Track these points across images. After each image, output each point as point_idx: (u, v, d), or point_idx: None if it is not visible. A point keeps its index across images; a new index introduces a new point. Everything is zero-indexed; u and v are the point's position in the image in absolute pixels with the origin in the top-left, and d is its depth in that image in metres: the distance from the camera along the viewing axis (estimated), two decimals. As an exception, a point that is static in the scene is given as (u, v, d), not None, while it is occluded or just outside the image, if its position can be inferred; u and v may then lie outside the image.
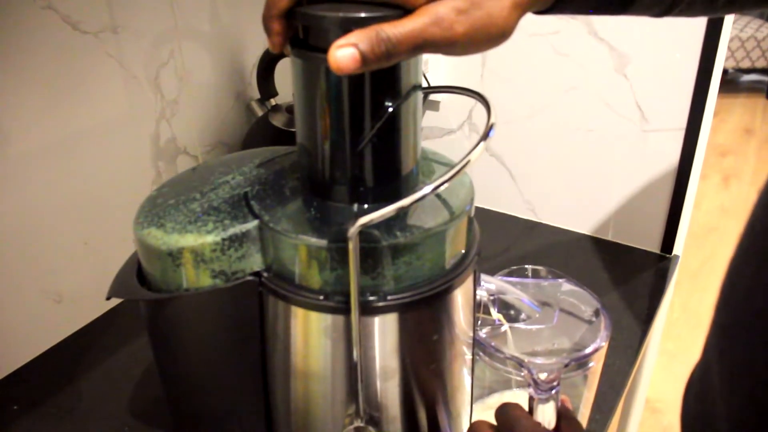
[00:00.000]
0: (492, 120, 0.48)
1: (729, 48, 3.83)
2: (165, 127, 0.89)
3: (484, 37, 0.40)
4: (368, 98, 0.46)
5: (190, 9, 0.88)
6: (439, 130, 1.08)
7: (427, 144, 1.09)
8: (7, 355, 0.77)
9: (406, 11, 0.40)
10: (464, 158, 0.45)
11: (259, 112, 0.99)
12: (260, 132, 0.96)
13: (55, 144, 0.75)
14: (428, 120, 1.08)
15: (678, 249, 0.96)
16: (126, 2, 0.79)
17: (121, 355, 0.80)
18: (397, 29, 0.38)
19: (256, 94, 1.00)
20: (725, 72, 3.98)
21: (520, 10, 0.41)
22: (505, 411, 0.51)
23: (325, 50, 0.41)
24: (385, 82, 0.46)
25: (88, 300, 0.83)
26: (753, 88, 4.08)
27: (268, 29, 0.44)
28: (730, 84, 4.07)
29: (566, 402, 0.56)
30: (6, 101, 0.69)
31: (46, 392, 0.74)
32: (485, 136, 0.46)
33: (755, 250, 0.39)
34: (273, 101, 0.99)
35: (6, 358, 0.77)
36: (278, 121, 0.95)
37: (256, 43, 1.00)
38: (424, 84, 0.98)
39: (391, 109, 0.46)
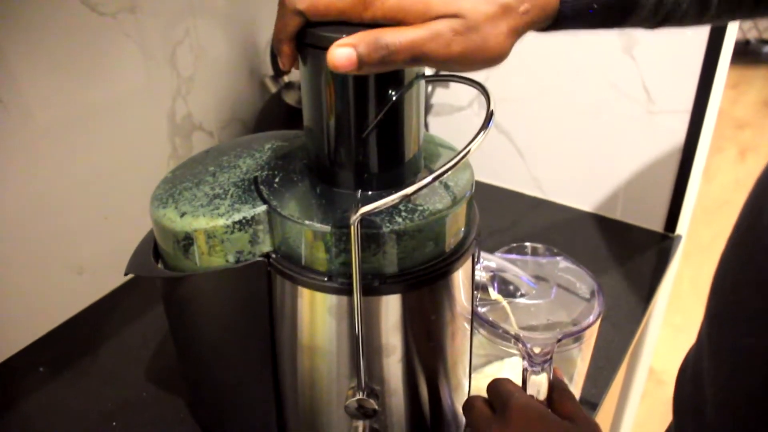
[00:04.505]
0: (491, 108, 0.49)
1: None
2: (181, 104, 0.91)
3: (480, 59, 0.42)
4: (372, 87, 0.48)
5: (205, -13, 0.90)
6: (449, 107, 1.09)
7: (437, 120, 1.11)
8: (33, 322, 0.81)
9: None
10: (465, 147, 0.47)
11: (273, 89, 1.01)
12: (273, 109, 0.98)
13: (75, 121, 0.78)
14: (438, 97, 1.10)
15: (682, 229, 0.98)
16: (142, -18, 0.81)
17: (138, 324, 0.83)
18: (397, 37, 0.39)
19: (270, 71, 1.02)
20: (747, 42, 3.90)
21: (516, 36, 0.43)
22: (497, 386, 0.54)
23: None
24: (388, 72, 0.48)
25: (107, 272, 0.87)
26: (775, 60, 4.01)
27: (279, 51, 0.46)
28: (752, 55, 3.99)
29: (558, 372, 0.59)
30: (28, 80, 0.72)
31: (69, 358, 0.78)
32: (485, 126, 0.48)
33: (742, 246, 0.41)
34: (286, 78, 1.01)
35: (31, 326, 0.81)
36: (291, 98, 0.97)
37: (270, 20, 1.01)
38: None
39: (394, 98, 0.48)
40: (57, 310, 0.83)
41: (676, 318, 1.98)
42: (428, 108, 1.10)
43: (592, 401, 0.72)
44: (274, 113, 0.98)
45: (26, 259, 0.77)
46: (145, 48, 0.84)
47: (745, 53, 3.92)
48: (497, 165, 1.09)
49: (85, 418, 0.70)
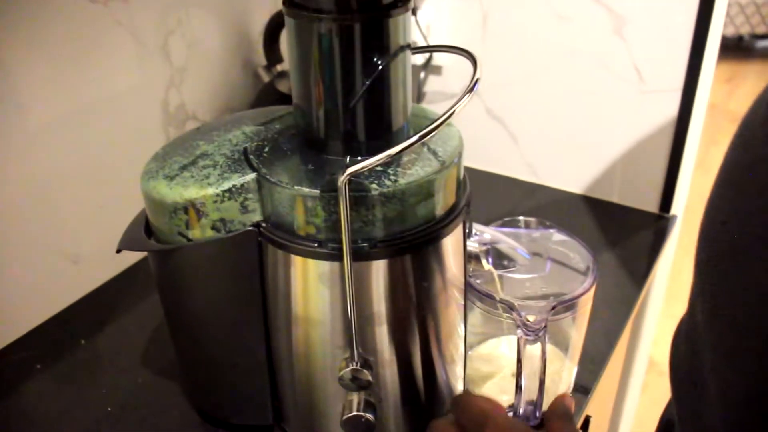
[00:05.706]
0: (477, 75, 0.50)
1: (744, 14, 3.77)
2: (174, 93, 0.91)
3: None
4: (359, 56, 0.48)
5: (196, -23, 0.90)
6: (442, 95, 1.10)
7: (430, 108, 1.11)
8: (29, 312, 0.80)
9: None
10: (450, 109, 0.47)
11: (266, 78, 1.01)
12: (267, 98, 0.99)
13: (69, 113, 0.78)
14: (431, 85, 1.10)
15: (677, 209, 0.98)
16: (133, -29, 0.81)
17: (135, 313, 0.83)
18: None
19: (263, 61, 1.02)
20: (740, 38, 3.92)
21: None
22: (470, 405, 0.49)
23: (317, 11, 0.43)
24: (374, 41, 0.48)
25: (103, 261, 0.87)
26: (768, 54, 4.02)
27: None
28: (746, 50, 4.01)
29: (568, 400, 0.57)
30: (22, 75, 0.72)
31: (65, 348, 0.78)
32: (471, 89, 0.48)
33: (731, 182, 0.41)
34: (279, 67, 1.01)
35: (27, 316, 0.80)
36: (284, 86, 0.97)
37: (263, 9, 1.02)
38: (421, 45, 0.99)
39: (380, 67, 0.49)
40: (52, 300, 0.83)
41: (675, 308, 1.97)
42: (421, 96, 1.10)
43: (587, 384, 0.72)
44: (267, 102, 0.98)
45: (21, 249, 0.77)
46: (137, 37, 0.84)
47: (738, 48, 3.94)
48: (491, 151, 1.09)
49: (80, 404, 0.70)
